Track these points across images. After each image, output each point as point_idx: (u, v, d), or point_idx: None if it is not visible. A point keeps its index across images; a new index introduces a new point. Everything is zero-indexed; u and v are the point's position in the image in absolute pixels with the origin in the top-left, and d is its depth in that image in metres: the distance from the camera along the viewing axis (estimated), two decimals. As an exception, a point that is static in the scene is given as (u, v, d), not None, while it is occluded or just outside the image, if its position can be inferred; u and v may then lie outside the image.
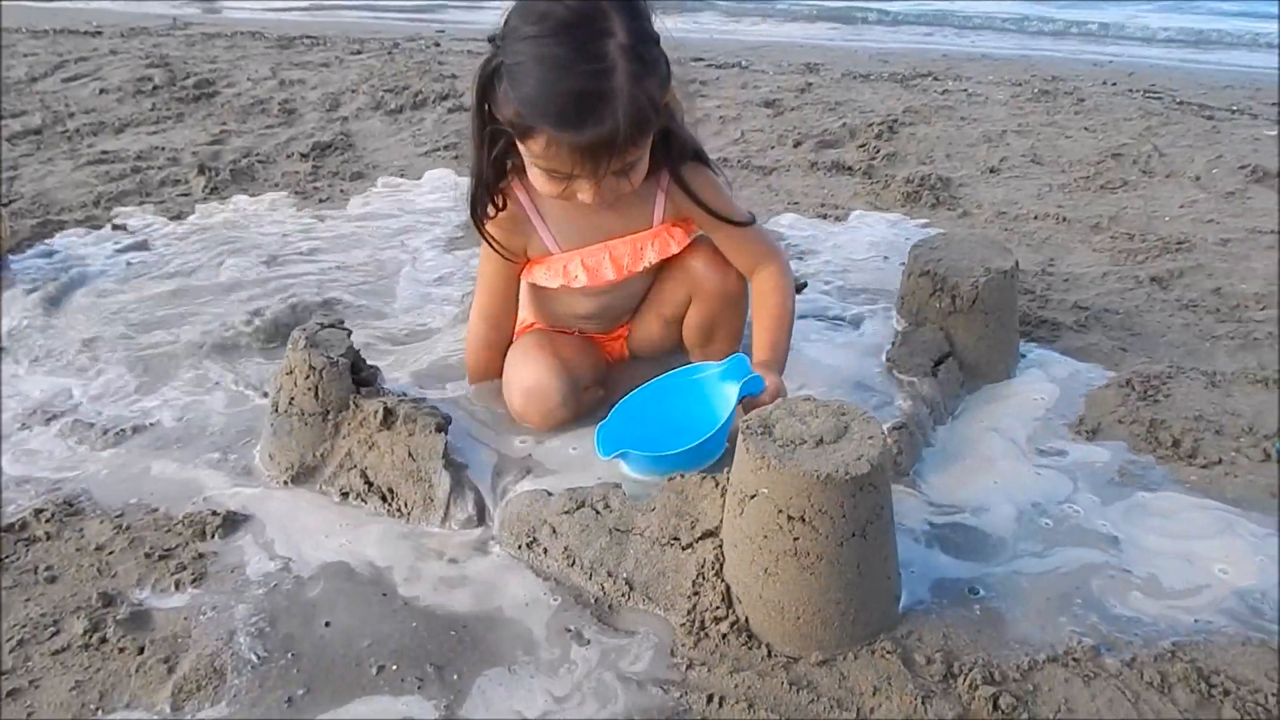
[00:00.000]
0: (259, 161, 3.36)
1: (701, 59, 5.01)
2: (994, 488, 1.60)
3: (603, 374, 1.85)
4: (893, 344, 1.89)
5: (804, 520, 1.24)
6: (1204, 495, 1.58)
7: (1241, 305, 2.18)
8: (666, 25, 1.49)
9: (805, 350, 1.94)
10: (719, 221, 1.68)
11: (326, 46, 5.35)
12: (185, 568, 1.49)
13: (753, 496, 1.27)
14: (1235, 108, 3.97)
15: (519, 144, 1.49)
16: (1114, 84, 4.46)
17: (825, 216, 2.81)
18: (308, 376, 1.64)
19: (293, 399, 1.66)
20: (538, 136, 1.42)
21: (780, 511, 1.24)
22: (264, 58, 4.97)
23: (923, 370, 1.80)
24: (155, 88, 4.32)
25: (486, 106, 1.49)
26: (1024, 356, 1.97)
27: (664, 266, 1.76)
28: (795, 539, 1.25)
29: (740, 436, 1.30)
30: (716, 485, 1.43)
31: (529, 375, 1.68)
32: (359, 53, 5.13)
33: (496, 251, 1.68)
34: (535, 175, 1.52)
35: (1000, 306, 1.84)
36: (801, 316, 2.05)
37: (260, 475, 1.69)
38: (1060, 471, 1.64)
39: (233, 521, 1.58)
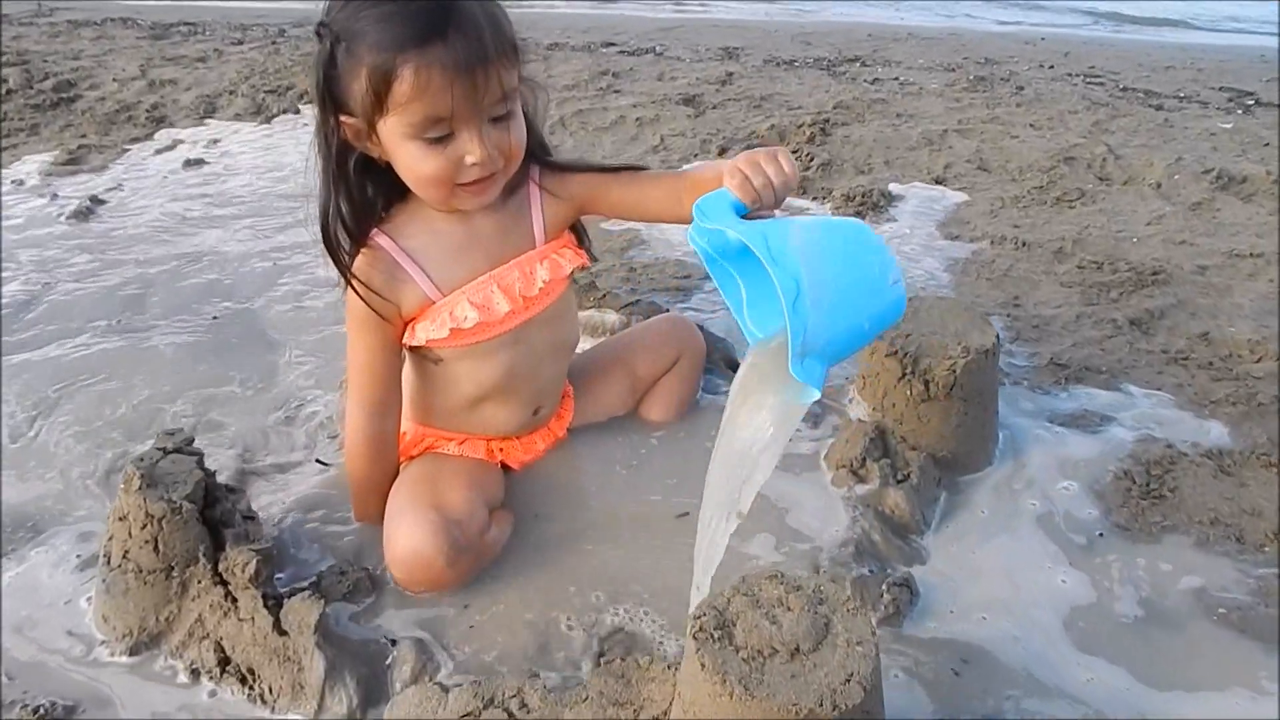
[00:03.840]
0: (116, 190, 2.94)
1: (613, 44, 4.66)
2: (991, 627, 1.34)
3: (500, 497, 1.54)
4: (835, 445, 1.62)
5: (779, 761, 0.95)
6: (1233, 629, 1.34)
7: (1234, 355, 1.95)
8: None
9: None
10: (613, 175, 1.47)
11: (205, 35, 4.87)
12: (-12, 789, 1.16)
13: (710, 725, 0.98)
14: (1182, 93, 3.78)
15: (381, 117, 1.24)
16: (1051, 66, 4.25)
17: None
18: (144, 526, 1.30)
19: (127, 552, 1.32)
20: (402, 72, 1.20)
21: (748, 749, 0.96)
22: (134, 51, 4.48)
23: (889, 477, 1.53)
24: (9, 92, 3.84)
25: (331, 120, 1.29)
26: (1001, 430, 1.71)
27: (639, 331, 1.75)
28: (768, 783, 0.96)
29: (690, 642, 1.00)
30: (668, 667, 1.15)
31: (404, 540, 1.35)
32: (240, 43, 4.67)
33: (370, 305, 1.36)
34: (412, 158, 1.27)
35: (981, 390, 1.58)
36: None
37: (92, 643, 1.34)
38: (1064, 605, 1.38)
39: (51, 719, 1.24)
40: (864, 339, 1.15)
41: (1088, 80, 3.99)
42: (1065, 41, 4.89)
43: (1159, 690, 1.25)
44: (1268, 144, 3.10)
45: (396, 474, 1.51)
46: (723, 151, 3.17)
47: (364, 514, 1.51)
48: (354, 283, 1.35)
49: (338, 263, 1.36)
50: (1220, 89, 3.85)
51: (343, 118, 1.27)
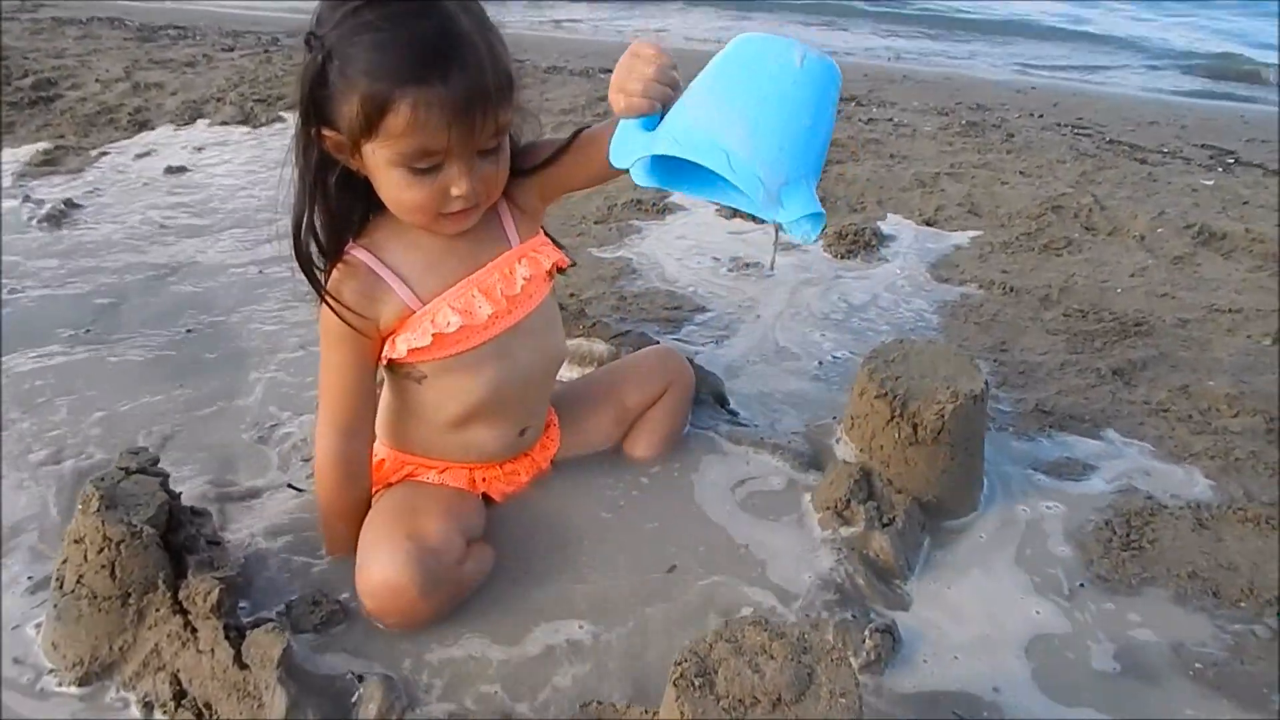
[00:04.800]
0: (93, 194, 2.89)
1: (610, 70, 4.65)
2: (971, 676, 1.32)
3: (479, 528, 1.50)
4: (820, 486, 1.59)
5: (757, 814, 0.92)
6: (1212, 688, 1.32)
7: (1213, 409, 1.95)
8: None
9: (714, 506, 1.60)
10: (563, 152, 1.42)
11: (194, 40, 4.84)
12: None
13: (688, 774, 0.95)
14: (1166, 149, 3.82)
15: (368, 143, 1.22)
16: (1040, 115, 4.28)
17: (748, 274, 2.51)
18: (101, 550, 1.26)
19: (81, 576, 1.27)
20: (398, 106, 1.17)
21: (726, 801, 0.93)
22: (120, 52, 4.44)
23: (874, 521, 1.51)
24: (-15, 88, 3.78)
25: (313, 131, 1.25)
26: (986, 475, 1.69)
27: (629, 363, 1.74)
28: (745, 836, 0.93)
29: (670, 689, 0.97)
30: (645, 711, 1.12)
31: (377, 570, 1.31)
32: (231, 49, 4.63)
33: (345, 321, 1.32)
34: (396, 184, 1.24)
35: (969, 435, 1.56)
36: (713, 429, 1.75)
37: (39, 671, 1.29)
38: (1044, 655, 1.36)
39: (-9, 753, 1.18)
40: (820, 130, 1.10)
41: (1076, 131, 4.02)
42: (1055, 92, 4.94)
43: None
44: (1246, 202, 3.13)
45: (369, 502, 1.47)
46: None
47: (334, 544, 1.47)
48: (328, 298, 1.32)
49: (311, 278, 1.33)
50: (1202, 146, 3.89)
51: (325, 130, 1.24)
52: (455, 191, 1.25)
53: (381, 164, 1.24)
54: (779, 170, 1.04)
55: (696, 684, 0.97)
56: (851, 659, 1.29)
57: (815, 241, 1.12)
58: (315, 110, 1.23)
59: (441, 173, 1.24)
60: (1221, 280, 2.57)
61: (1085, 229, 2.88)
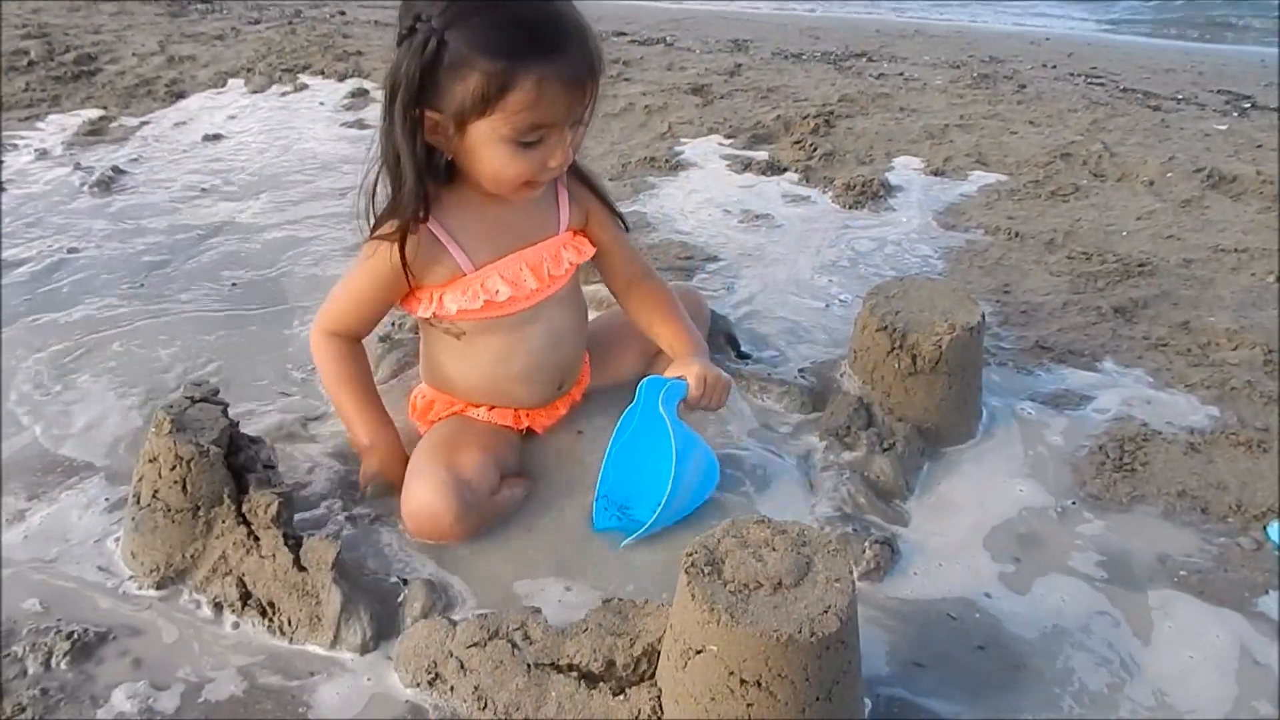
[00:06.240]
0: (136, 161, 3.02)
1: (624, 33, 4.74)
2: (966, 586, 1.42)
3: (516, 464, 1.62)
4: (829, 415, 1.69)
5: (760, 685, 1.04)
6: (1195, 593, 1.42)
7: (1212, 344, 2.03)
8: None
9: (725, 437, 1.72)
10: (614, 219, 1.62)
11: (222, 15, 4.96)
12: (24, 709, 1.24)
13: (698, 652, 1.07)
14: (1180, 95, 3.85)
15: (479, 120, 1.29)
16: (1054, 66, 4.31)
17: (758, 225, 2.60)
18: (173, 467, 1.39)
19: (156, 492, 1.40)
20: (522, 82, 1.25)
21: (732, 674, 1.04)
22: (153, 28, 4.57)
23: (875, 446, 1.61)
24: (31, 63, 3.92)
25: (415, 112, 1.30)
26: (985, 406, 1.79)
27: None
28: (749, 704, 1.04)
29: (683, 575, 1.09)
30: (661, 605, 1.24)
31: (416, 498, 1.46)
32: (256, 22, 4.75)
33: (405, 273, 1.43)
34: (501, 159, 1.33)
35: (965, 365, 1.66)
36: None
37: (121, 577, 1.44)
38: (1035, 566, 1.46)
39: (84, 646, 1.32)
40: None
41: (1089, 80, 4.06)
42: (1070, 42, 4.96)
43: (1116, 642, 1.34)
44: (1260, 145, 3.17)
45: (376, 399, 1.58)
46: (730, 138, 3.24)
47: (359, 446, 1.57)
48: (404, 261, 1.41)
49: (402, 241, 1.39)
50: (1218, 92, 3.92)
51: (428, 112, 1.30)
52: (553, 163, 1.35)
53: (490, 140, 1.31)
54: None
55: (705, 571, 1.08)
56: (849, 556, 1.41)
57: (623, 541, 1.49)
58: (420, 94, 1.28)
59: (543, 145, 1.33)
60: (1229, 222, 2.63)
61: (1094, 175, 2.94)
